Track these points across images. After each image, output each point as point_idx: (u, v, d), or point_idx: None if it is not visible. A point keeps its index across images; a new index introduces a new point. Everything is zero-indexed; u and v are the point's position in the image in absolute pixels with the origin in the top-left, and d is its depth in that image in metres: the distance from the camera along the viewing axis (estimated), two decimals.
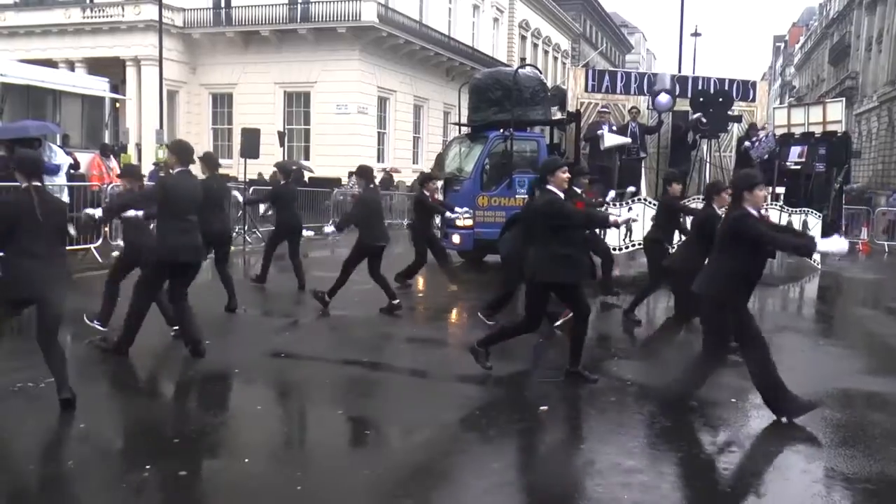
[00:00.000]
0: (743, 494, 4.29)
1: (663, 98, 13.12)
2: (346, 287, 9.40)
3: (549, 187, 6.12)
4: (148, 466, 4.29)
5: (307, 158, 29.50)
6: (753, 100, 15.24)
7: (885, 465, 4.68)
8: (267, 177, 25.73)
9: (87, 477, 4.23)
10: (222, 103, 33.26)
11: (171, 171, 6.80)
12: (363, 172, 9.45)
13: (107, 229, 12.30)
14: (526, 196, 13.01)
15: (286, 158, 25.69)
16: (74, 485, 4.14)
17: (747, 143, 13.98)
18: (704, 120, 13.21)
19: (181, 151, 6.70)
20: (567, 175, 6.28)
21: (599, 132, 13.01)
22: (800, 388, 6.55)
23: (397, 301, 9.22)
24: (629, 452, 4.74)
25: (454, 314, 10.14)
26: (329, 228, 9.73)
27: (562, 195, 6.15)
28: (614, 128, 13.46)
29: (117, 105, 21.23)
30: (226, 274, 9.12)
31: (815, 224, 13.70)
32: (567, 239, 6.03)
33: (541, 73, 15.95)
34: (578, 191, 9.74)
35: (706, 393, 6.10)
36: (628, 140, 13.20)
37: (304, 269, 10.84)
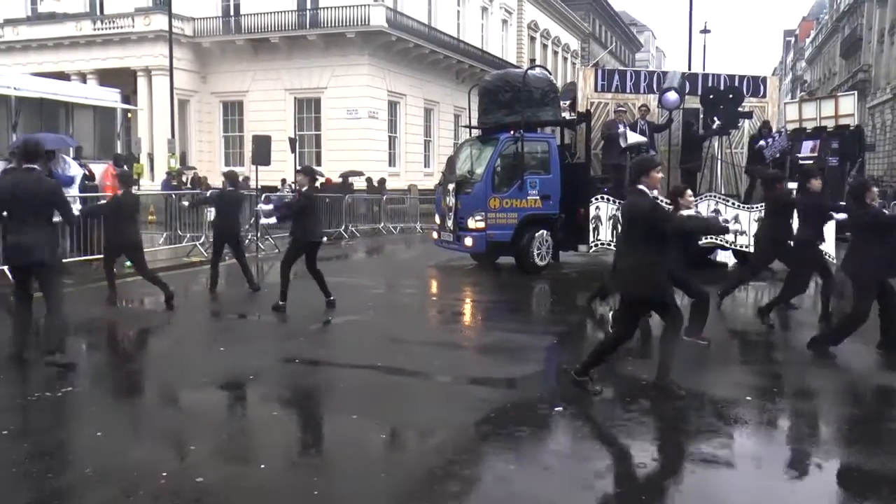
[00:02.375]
0: (762, 491, 4.26)
1: (671, 96, 13.07)
2: (359, 291, 9.43)
3: (640, 187, 5.68)
4: (165, 473, 4.31)
5: (318, 164, 29.58)
6: (764, 95, 15.16)
7: None
8: (282, 184, 25.91)
9: (104, 485, 4.26)
10: (233, 111, 33.43)
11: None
12: (306, 171, 9.83)
13: None
14: (538, 197, 13.07)
15: (298, 165, 25.88)
16: (92, 493, 4.17)
17: (762, 143, 13.89)
18: (716, 124, 13.18)
19: (24, 152, 6.57)
20: (661, 175, 5.87)
21: (620, 129, 12.95)
22: (818, 384, 6.53)
23: (332, 298, 9.50)
24: (646, 452, 4.73)
25: (467, 316, 10.14)
26: (267, 206, 11.42)
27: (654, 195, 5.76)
28: (629, 127, 13.42)
29: (129, 115, 21.41)
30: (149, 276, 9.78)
31: None
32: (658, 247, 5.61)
33: (550, 73, 15.92)
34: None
35: (722, 391, 6.08)
36: (645, 139, 13.15)
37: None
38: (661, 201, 8.62)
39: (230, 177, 11.86)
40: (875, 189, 7.41)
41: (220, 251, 11.23)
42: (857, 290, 6.98)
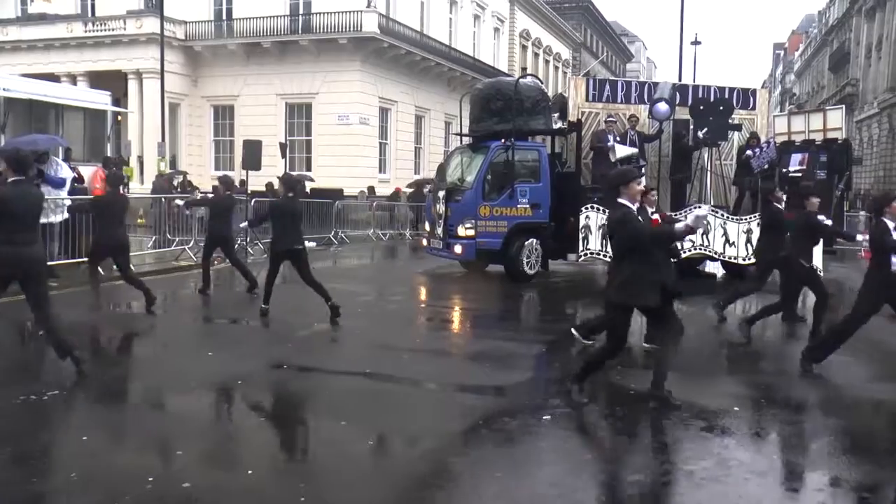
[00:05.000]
0: (748, 502, 4.28)
1: (662, 107, 13.13)
2: (348, 298, 9.43)
3: (622, 200, 5.72)
4: (151, 479, 4.29)
5: (309, 169, 29.53)
6: (754, 108, 15.27)
7: (890, 472, 4.67)
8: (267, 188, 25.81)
9: (89, 490, 4.23)
10: (224, 115, 33.32)
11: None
12: (285, 181, 9.74)
13: None
14: (528, 205, 13.10)
15: (289, 170, 25.85)
16: (76, 498, 4.14)
17: (749, 153, 13.99)
18: (701, 135, 13.26)
19: (15, 161, 6.43)
20: (641, 187, 5.99)
21: (609, 144, 13.01)
22: (804, 395, 6.56)
23: (332, 304, 9.16)
24: (633, 461, 4.74)
25: (455, 324, 10.14)
26: (242, 224, 12.54)
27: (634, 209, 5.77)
28: (618, 137, 13.46)
29: (119, 118, 21.31)
30: (131, 279, 9.80)
31: None
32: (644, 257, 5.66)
33: (542, 82, 15.98)
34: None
35: (709, 401, 6.10)
36: (635, 151, 13.20)
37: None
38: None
39: (224, 181, 11.84)
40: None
41: (210, 254, 11.32)
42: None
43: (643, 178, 13.23)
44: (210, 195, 12.57)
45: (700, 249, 13.02)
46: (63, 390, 6.02)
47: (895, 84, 39.70)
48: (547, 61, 50.44)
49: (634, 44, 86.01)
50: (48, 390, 5.90)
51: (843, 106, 25.48)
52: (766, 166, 13.75)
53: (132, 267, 10.52)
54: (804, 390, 6.68)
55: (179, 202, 15.40)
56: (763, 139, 14.50)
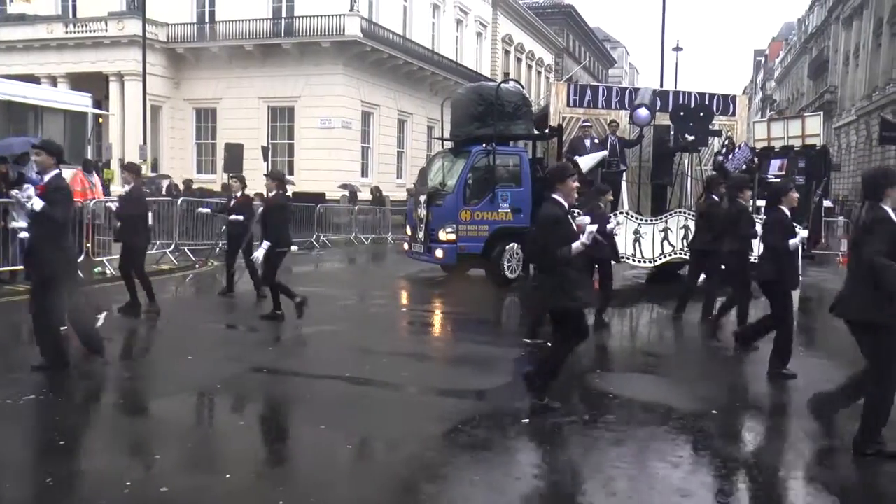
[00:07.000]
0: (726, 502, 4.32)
1: (643, 112, 13.22)
2: (329, 302, 9.43)
3: (555, 196, 5.63)
4: (129, 483, 4.27)
5: (291, 173, 29.45)
6: (734, 114, 15.41)
7: (865, 474, 4.73)
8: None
9: (66, 494, 4.21)
10: (206, 118, 33.19)
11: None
12: (275, 175, 9.76)
13: (89, 245, 12.23)
14: (509, 210, 13.15)
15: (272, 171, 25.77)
16: (53, 502, 4.11)
17: (720, 158, 14.13)
18: (690, 137, 13.36)
19: None
20: (577, 184, 5.74)
21: (575, 157, 13.10)
22: (782, 397, 6.63)
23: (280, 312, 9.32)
24: (612, 464, 4.77)
25: (436, 328, 10.15)
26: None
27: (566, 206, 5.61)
28: (596, 141, 13.52)
29: (100, 120, 21.16)
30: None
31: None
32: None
33: (523, 87, 16.05)
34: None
35: (687, 405, 6.16)
36: (604, 153, 13.22)
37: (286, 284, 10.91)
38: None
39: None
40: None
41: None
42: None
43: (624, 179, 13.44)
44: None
45: (681, 254, 13.10)
46: (39, 394, 5.97)
47: (872, 91, 40.20)
48: (529, 66, 50.65)
49: (617, 49, 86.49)
50: (24, 395, 5.86)
51: (822, 112, 25.81)
52: (744, 167, 13.87)
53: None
54: (781, 393, 6.75)
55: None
56: (737, 144, 14.62)
